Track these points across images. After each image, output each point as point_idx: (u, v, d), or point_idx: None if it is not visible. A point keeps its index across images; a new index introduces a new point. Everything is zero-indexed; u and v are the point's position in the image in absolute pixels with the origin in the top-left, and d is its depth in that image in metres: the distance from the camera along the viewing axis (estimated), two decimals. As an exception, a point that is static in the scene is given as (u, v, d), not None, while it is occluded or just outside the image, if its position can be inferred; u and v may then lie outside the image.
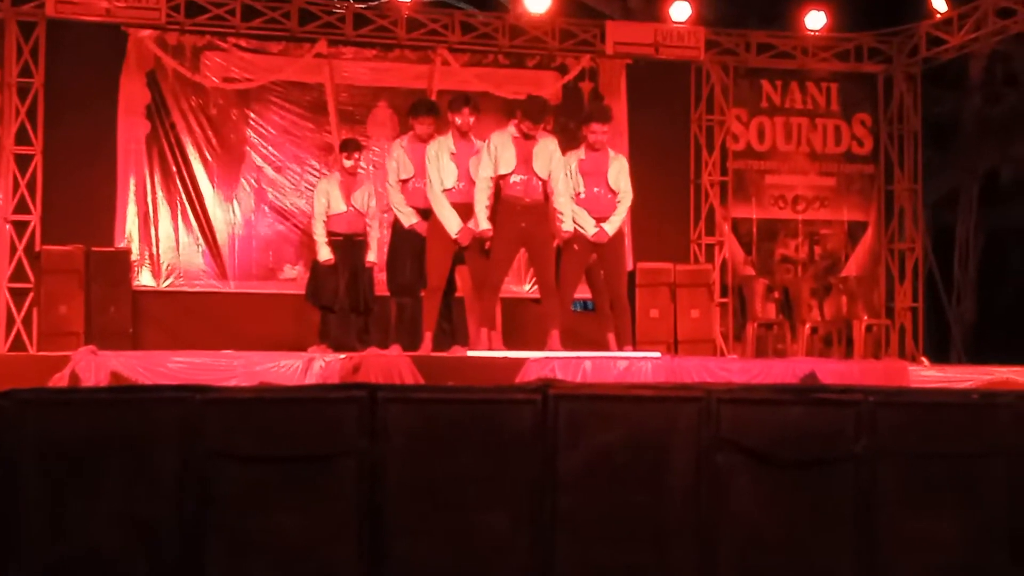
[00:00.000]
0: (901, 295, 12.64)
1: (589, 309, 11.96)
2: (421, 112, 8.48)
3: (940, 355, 12.98)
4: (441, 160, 8.00)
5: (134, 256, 10.93)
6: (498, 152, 7.86)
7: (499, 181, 7.93)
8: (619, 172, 8.25)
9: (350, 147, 9.31)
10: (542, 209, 8.05)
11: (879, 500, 4.33)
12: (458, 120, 8.12)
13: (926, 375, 8.15)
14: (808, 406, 4.37)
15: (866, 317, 11.66)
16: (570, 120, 11.04)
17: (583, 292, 8.94)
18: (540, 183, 7.96)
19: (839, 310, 11.69)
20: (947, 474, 4.41)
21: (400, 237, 8.47)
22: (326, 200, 9.12)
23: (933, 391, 6.64)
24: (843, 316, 11.67)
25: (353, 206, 9.14)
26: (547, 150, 7.98)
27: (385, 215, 9.49)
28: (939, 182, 14.00)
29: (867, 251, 12.79)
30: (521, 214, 7.93)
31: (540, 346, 8.01)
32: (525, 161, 7.90)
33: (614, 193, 8.24)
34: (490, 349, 7.92)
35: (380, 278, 9.24)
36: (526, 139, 7.90)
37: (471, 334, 8.37)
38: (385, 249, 8.91)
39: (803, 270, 12.46)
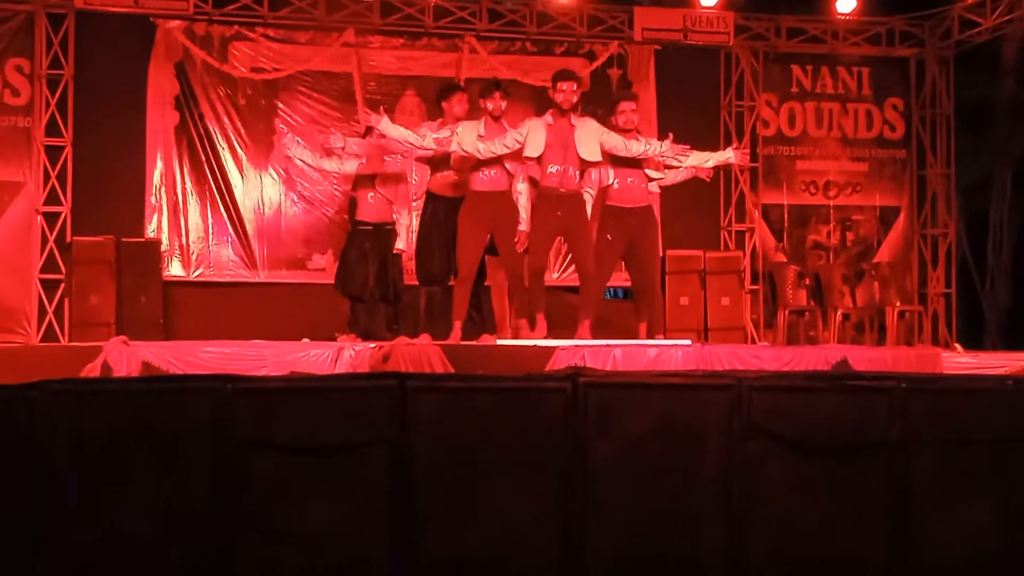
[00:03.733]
0: (934, 281, 12.54)
1: (620, 297, 11.94)
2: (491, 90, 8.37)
3: (974, 341, 12.83)
4: (468, 142, 7.97)
5: (164, 246, 10.98)
6: (529, 135, 7.86)
7: (537, 170, 7.93)
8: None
9: (367, 132, 9.33)
10: (578, 198, 8.06)
11: (912, 487, 4.29)
12: (490, 105, 8.12)
13: (960, 361, 8.08)
14: (840, 393, 4.34)
15: (899, 303, 11.56)
16: (598, 107, 11.02)
17: (615, 280, 8.92)
18: (577, 173, 7.96)
19: (871, 296, 11.59)
20: (982, 461, 4.37)
21: (429, 226, 8.47)
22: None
23: (967, 377, 6.60)
24: (875, 302, 11.57)
25: (381, 193, 9.09)
26: (590, 130, 7.98)
27: (414, 202, 9.48)
28: (972, 166, 13.85)
29: (899, 237, 12.69)
30: (556, 203, 7.94)
31: (570, 334, 7.99)
32: (563, 148, 7.89)
33: (648, 181, 8.25)
34: (541, 335, 7.91)
35: (409, 267, 9.23)
36: (562, 114, 7.89)
37: (510, 321, 8.42)
38: (414, 237, 8.90)
39: (835, 256, 12.38)
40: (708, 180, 8.83)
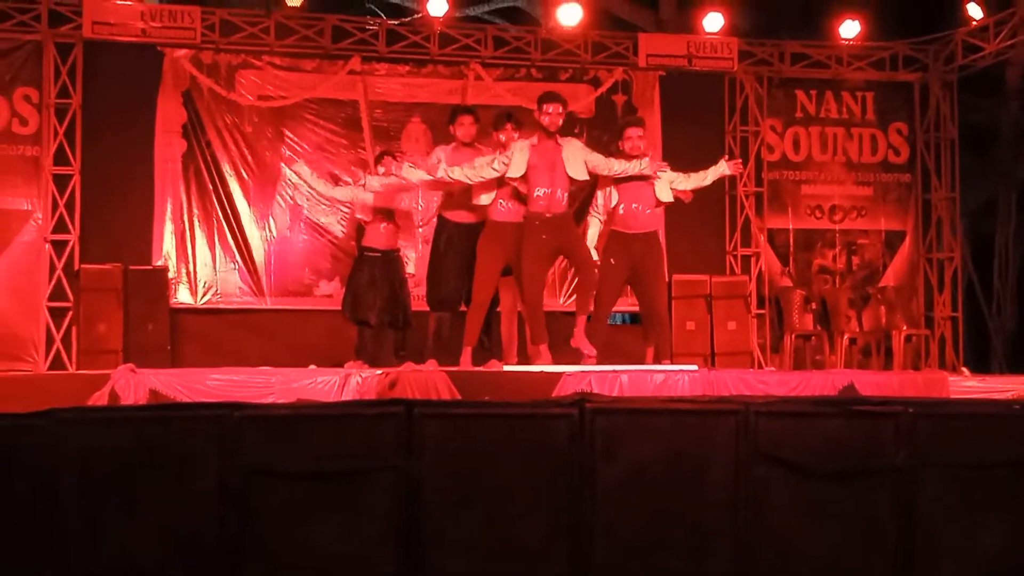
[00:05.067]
0: (940, 305, 12.52)
1: (627, 322, 11.95)
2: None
3: (981, 365, 12.83)
4: (457, 170, 8.04)
5: (171, 274, 11.00)
6: (514, 157, 7.89)
7: (525, 192, 7.98)
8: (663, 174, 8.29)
9: (380, 158, 9.38)
10: (564, 218, 8.09)
11: (920, 512, 4.29)
12: (502, 137, 8.18)
13: (967, 385, 8.05)
14: (847, 418, 4.35)
15: (905, 327, 11.55)
16: (604, 133, 11.07)
17: (621, 305, 8.91)
18: (565, 195, 8.00)
19: (878, 321, 11.58)
20: (989, 485, 4.37)
21: (442, 251, 8.48)
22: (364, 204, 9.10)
23: (974, 402, 6.58)
24: (882, 327, 11.56)
25: (389, 220, 9.12)
26: (575, 150, 8.02)
27: (421, 229, 9.51)
28: (977, 190, 13.87)
29: (905, 261, 12.68)
30: (541, 227, 7.93)
31: (577, 358, 7.99)
32: (551, 169, 7.91)
33: (657, 205, 8.28)
34: (547, 362, 7.91)
35: (416, 292, 9.24)
36: (548, 136, 7.94)
37: (516, 348, 8.43)
38: (424, 263, 8.91)
39: (841, 280, 12.37)
40: (687, 201, 8.73)
